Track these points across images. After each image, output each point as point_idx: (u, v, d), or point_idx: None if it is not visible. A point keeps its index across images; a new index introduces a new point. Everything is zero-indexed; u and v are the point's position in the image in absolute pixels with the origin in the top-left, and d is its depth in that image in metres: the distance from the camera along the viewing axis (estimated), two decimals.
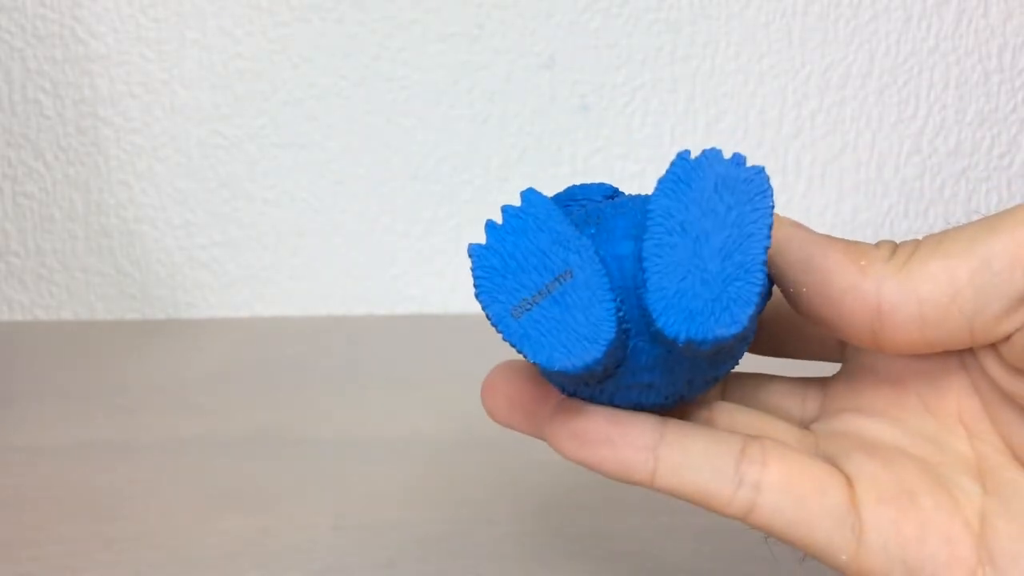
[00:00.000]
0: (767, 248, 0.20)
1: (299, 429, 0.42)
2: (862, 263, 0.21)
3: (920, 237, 0.22)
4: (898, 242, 0.22)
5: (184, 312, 0.57)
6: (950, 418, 0.22)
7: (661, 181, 0.20)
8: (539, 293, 0.20)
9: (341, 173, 0.56)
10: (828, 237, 0.22)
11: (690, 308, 0.19)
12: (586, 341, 0.19)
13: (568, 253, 0.20)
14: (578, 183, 0.25)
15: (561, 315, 0.20)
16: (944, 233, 0.21)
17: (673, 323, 0.19)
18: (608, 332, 0.20)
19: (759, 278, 0.19)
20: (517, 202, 0.21)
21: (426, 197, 0.56)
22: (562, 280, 0.20)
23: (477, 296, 0.20)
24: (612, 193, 0.24)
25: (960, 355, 0.22)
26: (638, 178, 0.57)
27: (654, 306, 0.19)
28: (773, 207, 0.20)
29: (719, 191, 0.20)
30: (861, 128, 0.58)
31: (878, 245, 0.22)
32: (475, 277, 0.20)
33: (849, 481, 0.22)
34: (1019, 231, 0.20)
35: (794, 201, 0.58)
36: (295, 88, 0.55)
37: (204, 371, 0.49)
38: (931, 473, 0.22)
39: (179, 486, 0.37)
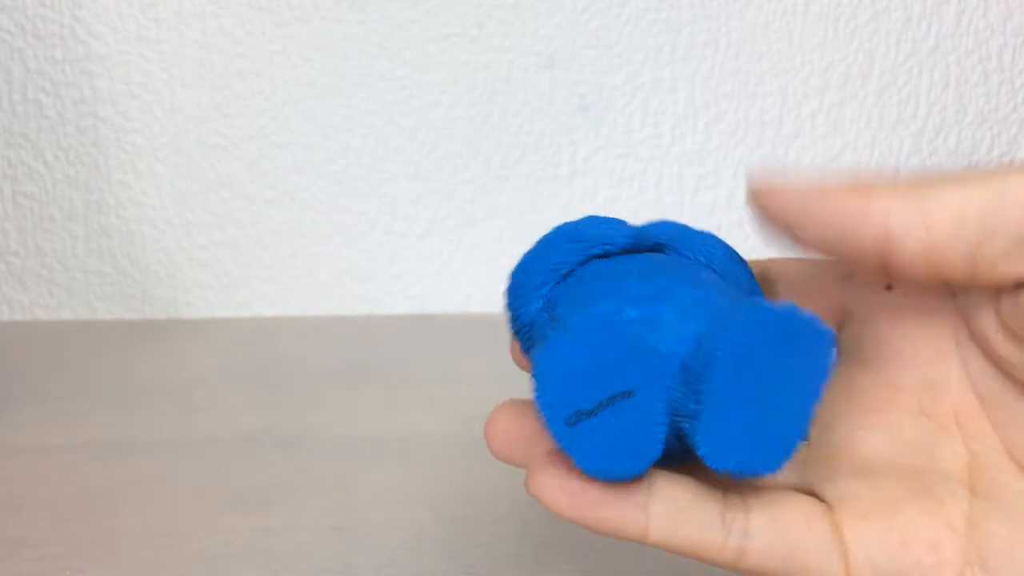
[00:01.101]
0: (816, 405, 0.21)
1: (299, 429, 0.42)
2: (868, 190, 0.20)
3: None
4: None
5: (184, 312, 0.57)
6: (946, 419, 0.22)
7: (739, 328, 0.20)
8: (597, 406, 0.20)
9: (341, 173, 0.56)
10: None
11: (734, 446, 0.20)
12: (632, 458, 0.21)
13: (633, 375, 0.20)
14: (595, 215, 0.25)
15: (614, 428, 0.20)
16: (964, 169, 0.21)
17: (715, 458, 0.20)
18: (654, 454, 0.21)
19: (803, 431, 0.21)
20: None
21: (426, 197, 0.56)
22: (622, 398, 0.20)
23: (536, 400, 0.20)
24: (633, 238, 0.25)
25: (957, 340, 0.22)
26: (638, 178, 0.57)
27: (701, 440, 0.20)
28: (831, 368, 0.21)
29: (788, 345, 0.20)
30: (861, 128, 0.58)
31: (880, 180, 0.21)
32: (537, 384, 0.20)
33: (830, 507, 0.22)
34: None
35: None
36: (295, 88, 0.55)
37: (204, 371, 0.49)
38: (918, 481, 0.22)
39: (179, 486, 0.37)
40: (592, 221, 0.25)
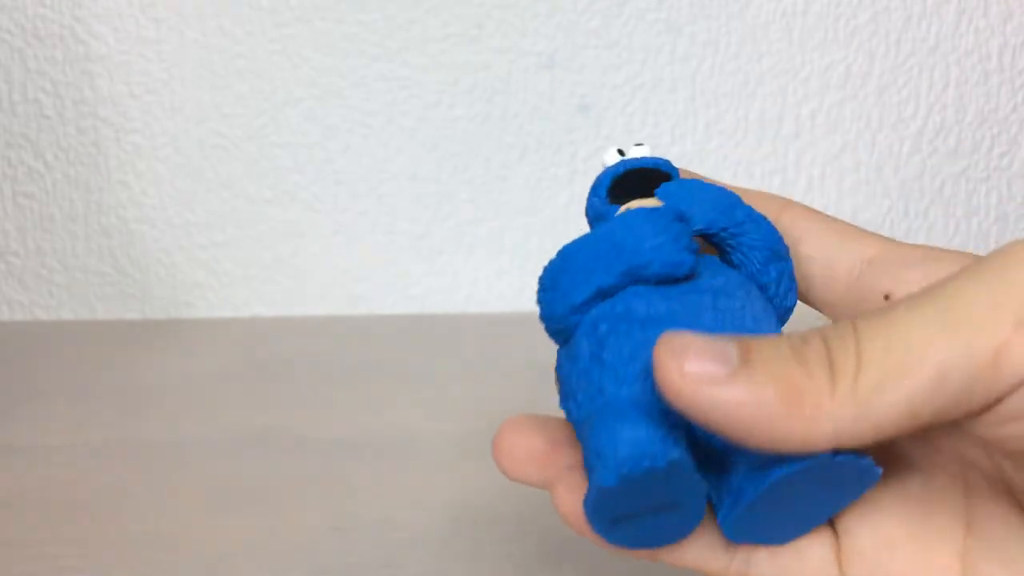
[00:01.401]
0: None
1: (299, 429, 0.42)
2: (806, 411, 0.18)
3: (907, 239, 0.21)
4: (830, 338, 0.18)
5: (184, 312, 0.57)
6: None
7: (797, 464, 0.19)
8: (642, 513, 0.20)
9: (341, 173, 0.56)
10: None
11: (754, 530, 0.21)
12: (663, 542, 0.22)
13: (681, 495, 0.20)
14: (641, 207, 0.23)
15: (654, 527, 0.21)
16: (891, 330, 0.18)
17: (733, 533, 0.21)
18: (685, 535, 0.22)
19: (822, 521, 0.22)
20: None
21: (426, 197, 0.56)
22: (667, 509, 0.20)
23: (586, 514, 0.20)
24: (686, 245, 0.22)
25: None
26: None
27: (723, 517, 0.21)
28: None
29: (832, 484, 0.20)
30: (861, 128, 0.58)
31: (809, 368, 0.18)
32: (590, 509, 0.20)
33: (836, 535, 0.22)
34: (974, 334, 0.17)
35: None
36: (295, 88, 0.55)
37: (204, 371, 0.49)
38: (915, 515, 0.22)
39: (179, 486, 0.37)
40: (637, 224, 0.21)
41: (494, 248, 0.57)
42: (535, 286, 0.23)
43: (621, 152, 0.24)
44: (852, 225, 0.24)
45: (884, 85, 0.57)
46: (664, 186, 0.23)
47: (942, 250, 0.22)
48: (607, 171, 0.24)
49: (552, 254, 0.23)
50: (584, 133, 0.56)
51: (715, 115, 0.57)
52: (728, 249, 0.23)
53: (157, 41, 0.54)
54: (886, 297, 0.22)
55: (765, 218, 0.23)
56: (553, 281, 0.22)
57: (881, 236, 0.24)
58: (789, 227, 0.24)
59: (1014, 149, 0.59)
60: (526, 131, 0.56)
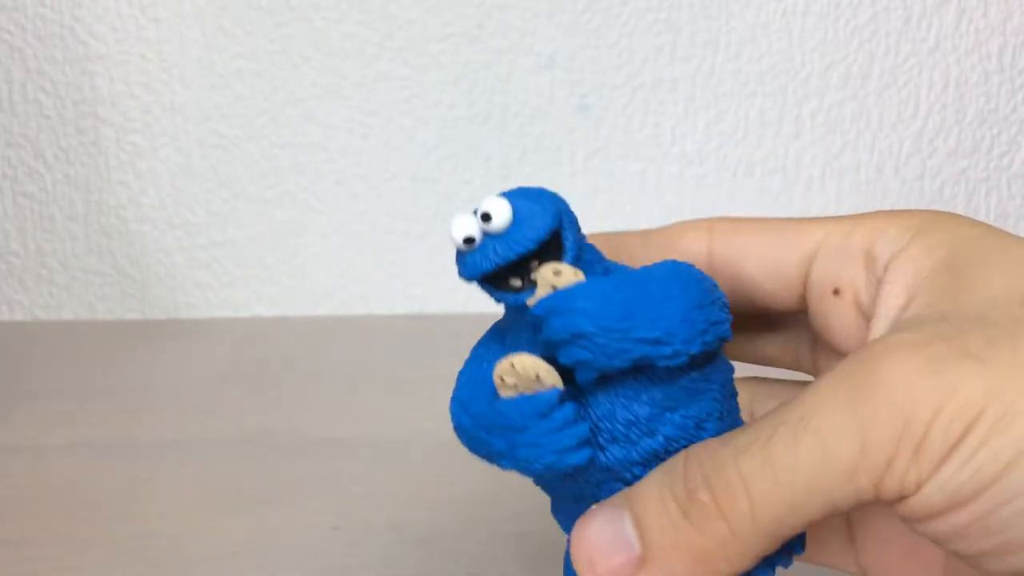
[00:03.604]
0: None
1: (299, 429, 0.42)
2: (720, 565, 0.18)
3: None
4: (715, 484, 0.18)
5: (184, 312, 0.57)
6: None
7: None
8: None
9: (341, 173, 0.56)
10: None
11: None
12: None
13: None
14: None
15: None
16: (776, 466, 0.18)
17: None
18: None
19: None
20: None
21: (426, 197, 0.56)
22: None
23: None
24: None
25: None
26: (638, 178, 0.57)
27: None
28: None
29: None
30: (861, 128, 0.58)
31: (705, 529, 0.18)
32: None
33: None
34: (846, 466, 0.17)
35: (794, 201, 0.58)
36: (295, 88, 0.55)
37: (204, 371, 0.49)
38: None
39: (179, 486, 0.37)
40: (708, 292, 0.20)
41: None
42: None
43: (469, 240, 0.20)
44: (785, 220, 0.23)
45: (884, 85, 0.57)
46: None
47: (877, 225, 0.21)
48: (475, 267, 0.21)
49: None
50: (584, 133, 0.56)
51: (715, 115, 0.57)
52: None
53: (157, 41, 0.54)
54: (835, 292, 0.22)
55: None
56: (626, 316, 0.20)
57: (819, 220, 0.23)
58: (722, 251, 0.23)
59: (1014, 149, 0.59)
60: (526, 131, 0.56)
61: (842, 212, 0.58)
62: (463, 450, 0.21)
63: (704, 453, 0.18)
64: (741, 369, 0.23)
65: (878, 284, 0.21)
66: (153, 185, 0.55)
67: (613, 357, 0.19)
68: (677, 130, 0.57)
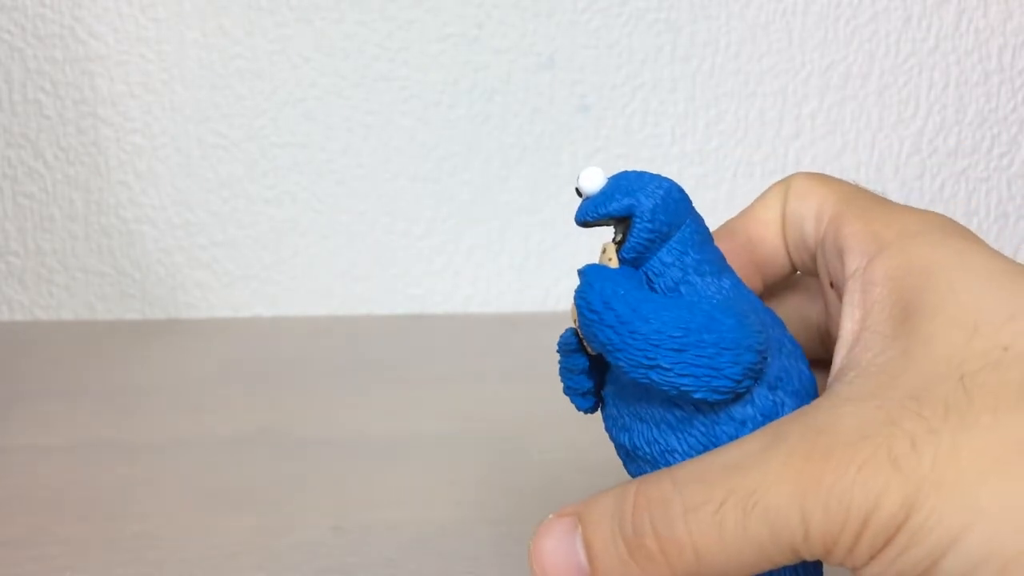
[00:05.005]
0: None
1: (299, 429, 0.42)
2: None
3: None
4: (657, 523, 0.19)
5: (184, 312, 0.57)
6: None
7: None
8: None
9: (341, 173, 0.56)
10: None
11: None
12: None
13: None
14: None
15: None
16: (727, 487, 0.19)
17: None
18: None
19: None
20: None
21: (426, 197, 0.56)
22: None
23: None
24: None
25: None
26: None
27: None
28: None
29: None
30: (861, 128, 0.58)
31: (647, 560, 0.19)
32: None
33: None
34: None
35: None
36: (295, 88, 0.55)
37: (204, 371, 0.49)
38: None
39: (179, 486, 0.37)
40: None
41: (494, 248, 0.57)
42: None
43: (578, 192, 0.23)
44: (838, 184, 0.23)
45: (884, 85, 0.57)
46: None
47: (856, 228, 0.21)
48: (575, 215, 0.23)
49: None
50: (584, 133, 0.56)
51: (715, 115, 0.57)
52: None
53: (157, 41, 0.54)
54: (831, 285, 0.23)
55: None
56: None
57: (852, 197, 0.23)
58: (794, 211, 0.24)
59: (1014, 149, 0.59)
60: (526, 131, 0.56)
61: None
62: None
63: (656, 499, 0.19)
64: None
65: (842, 294, 0.21)
66: (153, 185, 0.55)
67: (591, 336, 0.20)
68: (677, 130, 0.57)
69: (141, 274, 0.56)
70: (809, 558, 0.18)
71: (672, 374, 0.19)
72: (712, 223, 0.24)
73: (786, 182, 0.24)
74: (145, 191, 0.55)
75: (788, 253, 0.24)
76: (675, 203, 0.22)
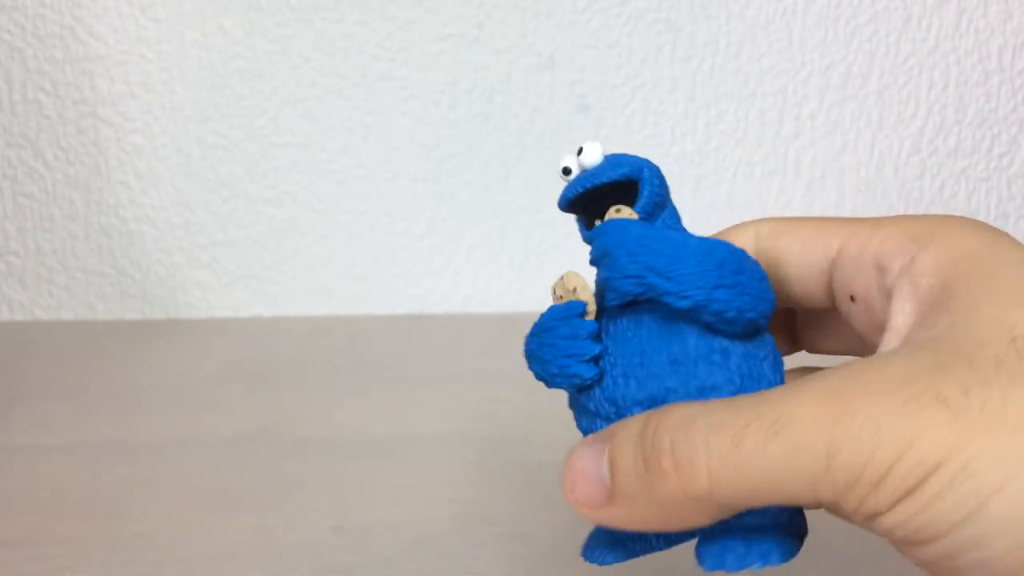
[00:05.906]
0: None
1: (299, 429, 0.42)
2: (674, 520, 0.20)
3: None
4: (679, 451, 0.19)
5: (184, 312, 0.57)
6: None
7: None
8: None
9: (341, 173, 0.56)
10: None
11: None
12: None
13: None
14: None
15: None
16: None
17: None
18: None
19: None
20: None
21: (426, 197, 0.56)
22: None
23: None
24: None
25: None
26: None
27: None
28: None
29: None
30: (861, 128, 0.58)
31: (663, 486, 0.20)
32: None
33: None
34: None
35: (794, 201, 0.58)
36: (295, 88, 0.55)
37: (204, 371, 0.49)
38: None
39: (179, 486, 0.37)
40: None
41: (494, 248, 0.57)
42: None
43: (567, 171, 0.23)
44: (819, 221, 0.24)
45: (884, 85, 0.57)
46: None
47: (888, 234, 0.22)
48: (564, 195, 0.24)
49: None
50: (584, 133, 0.56)
51: (715, 115, 0.57)
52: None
53: (157, 41, 0.54)
54: (852, 298, 0.23)
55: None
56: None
57: (847, 223, 0.23)
58: (765, 254, 0.24)
59: (1014, 149, 0.59)
60: (526, 131, 0.56)
61: (842, 212, 0.58)
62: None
63: (681, 416, 0.19)
64: (809, 360, 0.25)
65: (889, 296, 0.21)
66: (153, 185, 0.55)
67: (628, 278, 0.21)
68: (677, 130, 0.57)
69: (141, 274, 0.56)
70: (825, 499, 0.18)
71: (737, 291, 0.21)
72: (712, 223, 0.24)
73: (754, 226, 0.25)
74: (145, 191, 0.55)
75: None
76: (662, 176, 0.24)
